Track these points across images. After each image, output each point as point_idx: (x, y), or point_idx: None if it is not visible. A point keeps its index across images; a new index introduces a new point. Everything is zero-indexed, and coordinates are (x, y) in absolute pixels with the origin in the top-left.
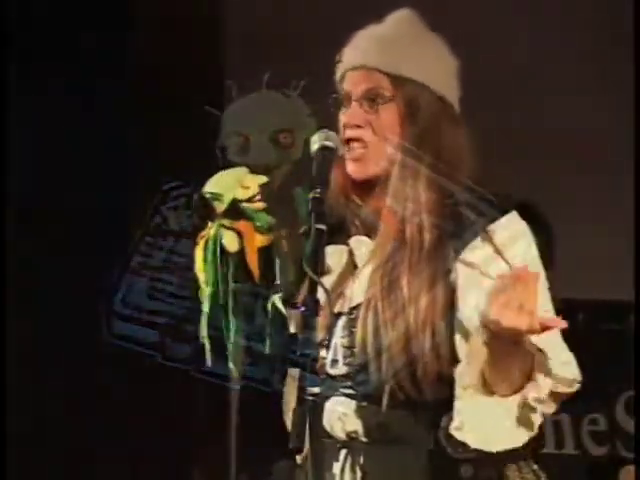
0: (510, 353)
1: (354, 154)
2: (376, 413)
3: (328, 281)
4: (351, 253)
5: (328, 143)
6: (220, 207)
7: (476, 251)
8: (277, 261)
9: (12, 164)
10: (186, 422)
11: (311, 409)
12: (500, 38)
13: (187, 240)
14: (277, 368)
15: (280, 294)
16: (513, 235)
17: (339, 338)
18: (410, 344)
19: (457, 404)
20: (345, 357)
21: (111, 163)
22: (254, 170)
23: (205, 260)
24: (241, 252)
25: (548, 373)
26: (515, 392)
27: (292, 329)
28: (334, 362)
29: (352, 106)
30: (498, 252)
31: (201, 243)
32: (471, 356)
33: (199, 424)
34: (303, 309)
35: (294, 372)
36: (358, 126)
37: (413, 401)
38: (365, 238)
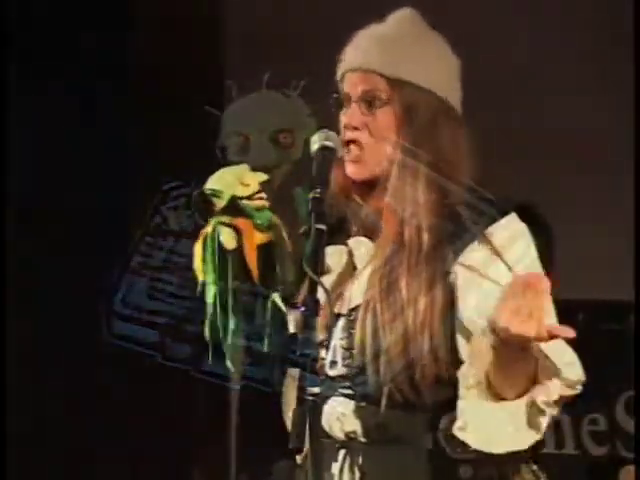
0: (517, 359)
1: (351, 156)
2: (375, 413)
3: (328, 281)
4: (351, 254)
5: (328, 143)
6: (219, 204)
7: (475, 253)
8: (277, 260)
9: (12, 164)
10: (186, 422)
11: (311, 409)
12: (500, 38)
13: (187, 240)
14: (277, 368)
15: (279, 292)
16: (512, 236)
17: (338, 339)
18: (408, 346)
19: (460, 404)
20: (344, 359)
21: (111, 163)
22: (254, 170)
23: (204, 257)
24: (240, 250)
25: (557, 376)
26: (519, 395)
27: (292, 329)
28: (333, 363)
29: (352, 107)
30: (497, 254)
31: (200, 240)
32: (474, 357)
33: (199, 424)
34: (303, 309)
35: (294, 372)
36: (355, 128)
37: (412, 402)
38: (365, 239)
